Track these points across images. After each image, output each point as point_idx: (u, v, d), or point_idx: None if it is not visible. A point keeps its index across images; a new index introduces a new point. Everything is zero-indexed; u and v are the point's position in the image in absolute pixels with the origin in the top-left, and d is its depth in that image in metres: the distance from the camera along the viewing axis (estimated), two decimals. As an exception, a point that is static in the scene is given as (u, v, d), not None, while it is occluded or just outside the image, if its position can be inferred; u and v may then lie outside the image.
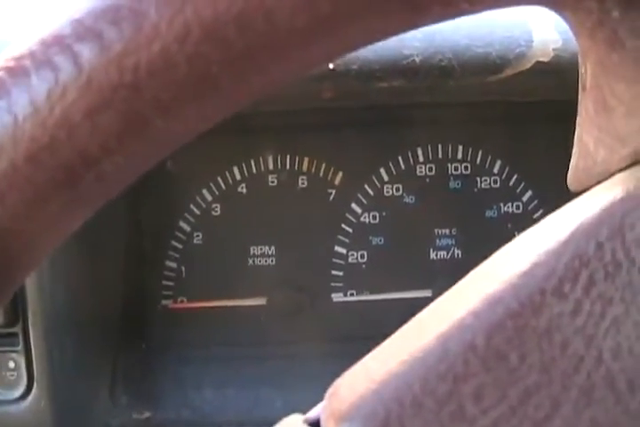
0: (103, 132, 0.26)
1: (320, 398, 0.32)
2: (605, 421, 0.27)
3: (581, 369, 0.28)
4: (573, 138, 0.37)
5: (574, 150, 0.37)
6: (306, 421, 0.31)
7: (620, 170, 0.33)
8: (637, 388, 0.28)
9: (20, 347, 0.74)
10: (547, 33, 0.68)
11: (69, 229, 0.29)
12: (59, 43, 0.26)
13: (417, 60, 0.67)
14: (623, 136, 0.33)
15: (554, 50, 0.68)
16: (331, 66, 0.68)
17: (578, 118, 0.36)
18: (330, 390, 0.31)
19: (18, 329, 0.74)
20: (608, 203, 0.30)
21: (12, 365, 0.75)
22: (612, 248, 0.29)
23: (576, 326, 0.28)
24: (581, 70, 0.35)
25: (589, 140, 0.35)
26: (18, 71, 0.26)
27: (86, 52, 0.26)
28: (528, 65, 0.68)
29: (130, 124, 0.26)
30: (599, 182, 0.34)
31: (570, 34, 0.34)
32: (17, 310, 0.73)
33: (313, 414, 0.31)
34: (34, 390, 0.74)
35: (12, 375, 0.75)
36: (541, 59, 0.68)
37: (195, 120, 0.28)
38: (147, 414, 0.80)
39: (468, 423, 0.27)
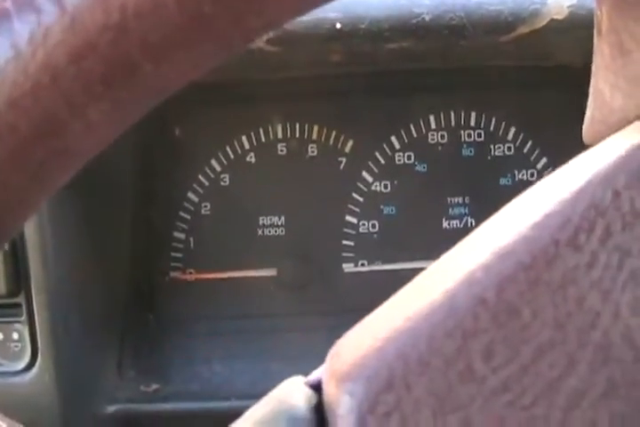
0: (89, 76, 0.25)
1: None
2: (623, 380, 0.26)
3: (598, 325, 0.26)
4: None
5: (589, 101, 0.36)
6: (307, 383, 0.30)
7: (638, 117, 0.32)
8: None
9: (24, 318, 0.74)
10: (561, -10, 0.66)
11: (58, 181, 0.28)
12: None
13: (427, 18, 0.66)
14: None
15: (568, 7, 0.66)
16: (338, 25, 0.66)
17: (593, 66, 0.35)
18: (331, 351, 0.29)
19: (21, 299, 0.73)
20: (625, 150, 0.28)
21: (15, 336, 0.74)
22: (630, 197, 0.27)
23: (592, 279, 0.27)
24: (597, 13, 0.33)
25: (605, 88, 0.33)
26: None
27: None
28: (542, 23, 0.66)
29: (117, 69, 0.25)
30: (616, 132, 0.32)
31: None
32: (19, 280, 0.73)
33: (314, 376, 0.30)
34: (38, 362, 0.74)
35: (17, 346, 0.74)
36: (556, 16, 0.66)
37: (186, 65, 0.26)
38: (154, 387, 0.79)
39: (478, 383, 0.26)
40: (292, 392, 0.29)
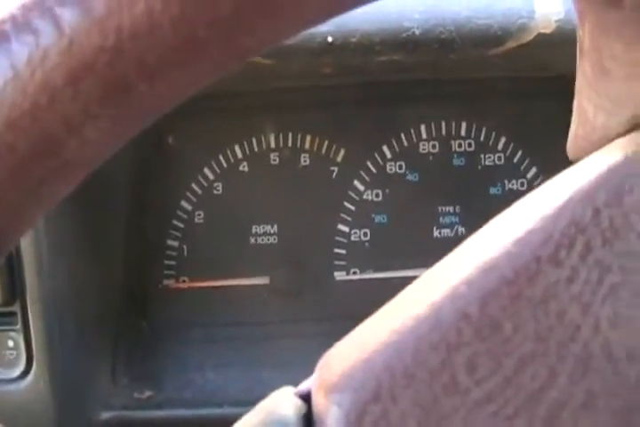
0: (86, 96, 0.25)
1: None
2: (602, 391, 0.27)
3: (578, 338, 0.27)
4: None
5: (573, 117, 0.36)
6: (297, 393, 0.30)
7: (620, 135, 0.32)
8: (636, 357, 0.27)
9: (19, 326, 0.74)
10: (549, 4, 0.67)
11: (55, 198, 0.28)
12: (39, 6, 0.25)
13: (417, 32, 0.66)
14: (622, 100, 0.32)
15: (556, 21, 0.67)
16: (329, 39, 0.67)
17: (576, 83, 0.35)
18: (321, 362, 0.30)
19: (16, 308, 0.73)
20: (606, 168, 0.29)
21: (10, 344, 0.74)
22: (610, 214, 0.28)
23: (572, 293, 0.27)
24: (579, 33, 0.34)
25: (588, 106, 0.34)
26: None
27: (67, 14, 0.25)
28: (530, 37, 0.67)
29: (113, 89, 0.26)
30: (598, 149, 0.33)
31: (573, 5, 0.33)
32: (14, 289, 0.73)
33: (304, 386, 0.31)
34: (33, 370, 0.74)
35: (12, 354, 0.74)
36: (543, 30, 0.67)
37: (181, 84, 0.27)
38: (148, 394, 0.80)
39: (462, 394, 0.27)
40: (282, 402, 0.30)
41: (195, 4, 0.25)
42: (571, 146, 0.37)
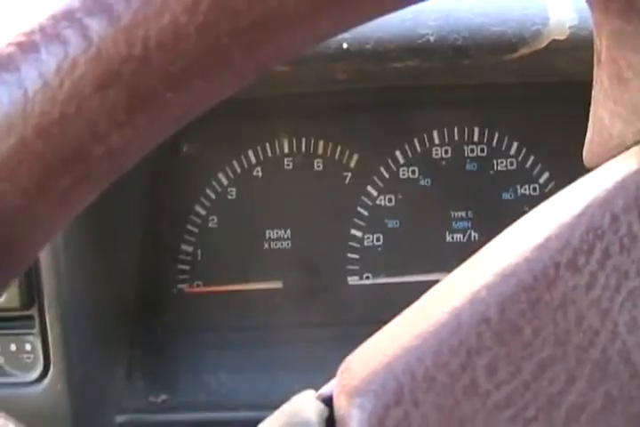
0: (112, 105, 0.26)
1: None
2: (620, 395, 0.27)
3: (596, 343, 0.27)
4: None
5: (589, 125, 0.37)
6: (319, 397, 0.31)
7: (636, 143, 0.33)
8: None
9: (37, 330, 0.75)
10: (563, 11, 0.67)
11: (80, 205, 0.29)
12: (68, 16, 0.26)
13: (431, 39, 0.67)
14: (639, 109, 0.32)
15: (570, 28, 0.67)
16: (345, 45, 0.67)
17: (593, 92, 0.36)
18: (342, 366, 0.31)
19: (34, 312, 0.74)
20: (623, 175, 0.30)
21: (28, 347, 0.75)
22: (628, 220, 0.28)
23: (591, 299, 0.28)
24: (596, 43, 0.34)
25: (605, 114, 0.35)
26: (28, 46, 0.26)
27: (95, 25, 0.25)
28: (544, 43, 0.67)
29: (139, 98, 0.26)
30: (615, 157, 0.33)
31: (586, 12, 0.33)
32: (32, 293, 0.73)
33: (326, 390, 0.31)
34: (50, 373, 0.75)
35: (29, 358, 0.75)
36: (557, 37, 0.67)
37: (206, 93, 0.27)
38: (163, 398, 0.80)
39: (482, 397, 0.27)
40: (304, 406, 0.30)
41: (218, 13, 0.25)
42: (587, 153, 0.37)
